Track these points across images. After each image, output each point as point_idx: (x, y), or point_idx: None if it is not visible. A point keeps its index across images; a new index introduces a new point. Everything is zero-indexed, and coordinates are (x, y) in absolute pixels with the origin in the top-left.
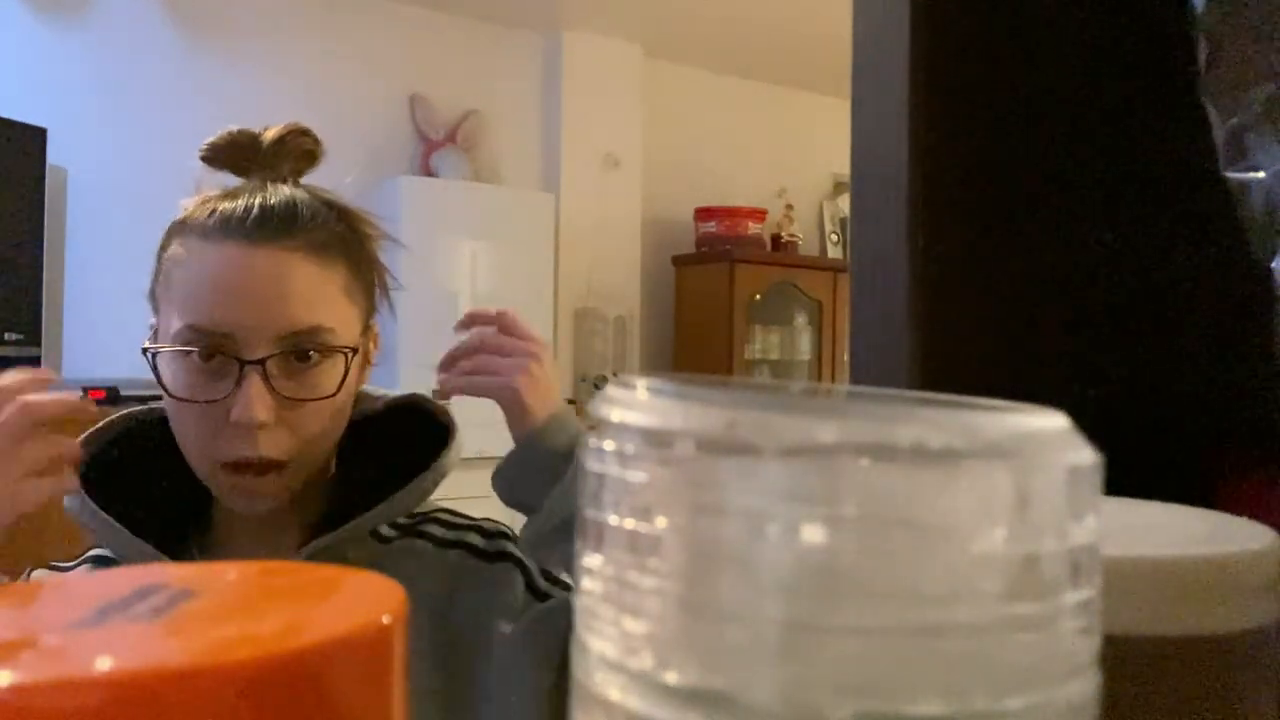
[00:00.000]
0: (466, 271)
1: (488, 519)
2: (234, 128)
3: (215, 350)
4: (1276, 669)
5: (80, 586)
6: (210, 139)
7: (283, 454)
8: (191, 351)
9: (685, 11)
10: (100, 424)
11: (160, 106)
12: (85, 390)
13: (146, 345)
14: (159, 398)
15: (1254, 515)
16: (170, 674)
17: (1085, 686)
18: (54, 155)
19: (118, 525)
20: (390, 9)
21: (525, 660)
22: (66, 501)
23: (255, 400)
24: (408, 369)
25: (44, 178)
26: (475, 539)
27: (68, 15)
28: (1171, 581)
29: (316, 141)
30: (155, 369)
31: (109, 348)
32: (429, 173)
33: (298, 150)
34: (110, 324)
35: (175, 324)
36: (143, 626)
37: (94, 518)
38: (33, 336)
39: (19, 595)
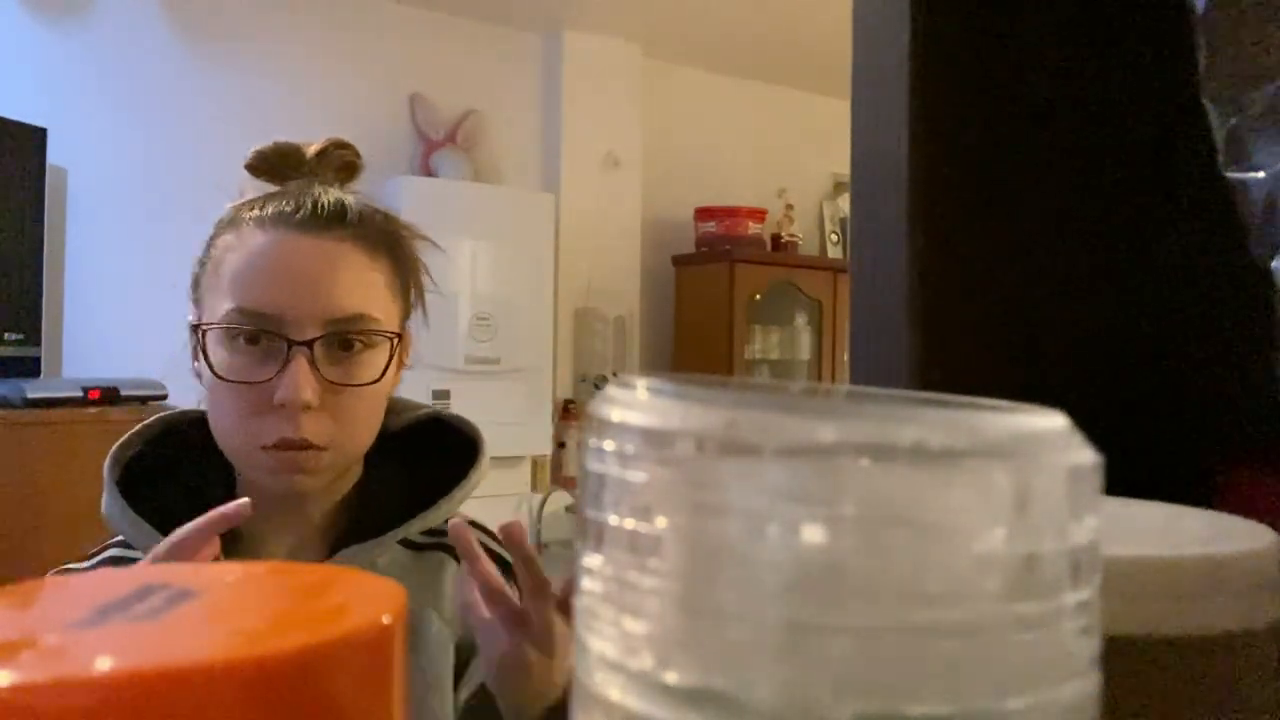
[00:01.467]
0: (466, 271)
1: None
2: (279, 139)
3: (262, 332)
4: (1276, 669)
5: (80, 586)
6: (256, 148)
7: (324, 439)
8: (239, 334)
9: (685, 11)
10: (136, 428)
11: (160, 106)
12: (85, 390)
13: (196, 322)
14: (159, 398)
15: (1254, 515)
16: (170, 674)
17: (1085, 686)
18: (54, 155)
19: (157, 534)
20: (390, 9)
21: None
22: (105, 507)
23: (302, 381)
24: (408, 368)
25: (44, 178)
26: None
27: (68, 15)
28: (1171, 581)
29: (357, 154)
30: (204, 350)
31: (109, 348)
32: (429, 173)
33: (339, 162)
34: (110, 324)
35: (224, 307)
36: (143, 626)
37: (134, 525)
38: (33, 336)
39: (19, 595)
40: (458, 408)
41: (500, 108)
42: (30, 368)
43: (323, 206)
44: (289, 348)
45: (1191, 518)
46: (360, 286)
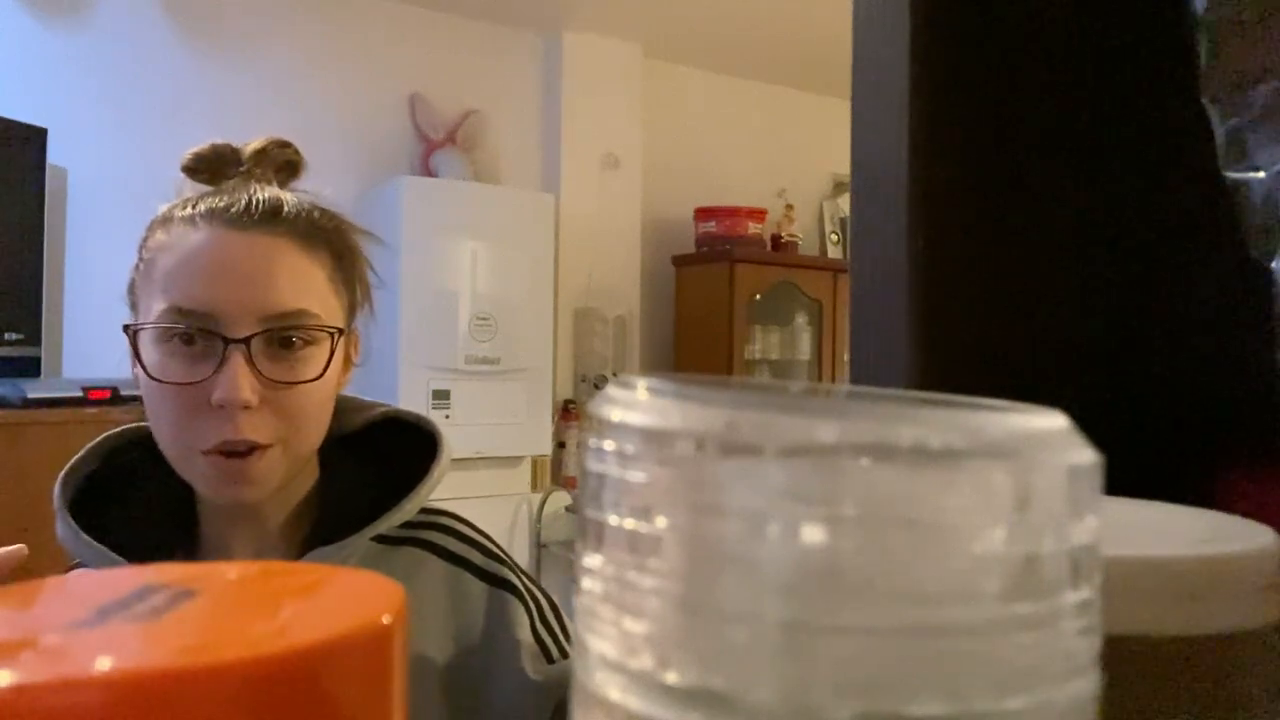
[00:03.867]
0: (466, 271)
1: (487, 537)
2: (216, 140)
3: (198, 331)
4: (1276, 669)
5: (80, 586)
6: (193, 149)
7: (266, 437)
8: (174, 334)
9: (685, 11)
10: (84, 449)
11: (160, 106)
12: (85, 390)
13: (128, 324)
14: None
15: (1254, 515)
16: (170, 674)
17: (1085, 686)
18: (54, 155)
19: (115, 556)
20: (390, 9)
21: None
22: (59, 531)
23: (240, 379)
24: (408, 368)
25: (44, 178)
26: (476, 556)
27: (68, 15)
28: (1171, 581)
29: (298, 153)
30: (136, 354)
31: (109, 348)
32: (429, 173)
33: (279, 161)
34: (110, 324)
35: (157, 307)
36: (143, 626)
37: (88, 548)
38: (33, 336)
39: (19, 595)
40: (458, 407)
41: (500, 108)
42: (30, 368)
43: (257, 202)
44: (225, 346)
45: (1191, 518)
46: (297, 282)
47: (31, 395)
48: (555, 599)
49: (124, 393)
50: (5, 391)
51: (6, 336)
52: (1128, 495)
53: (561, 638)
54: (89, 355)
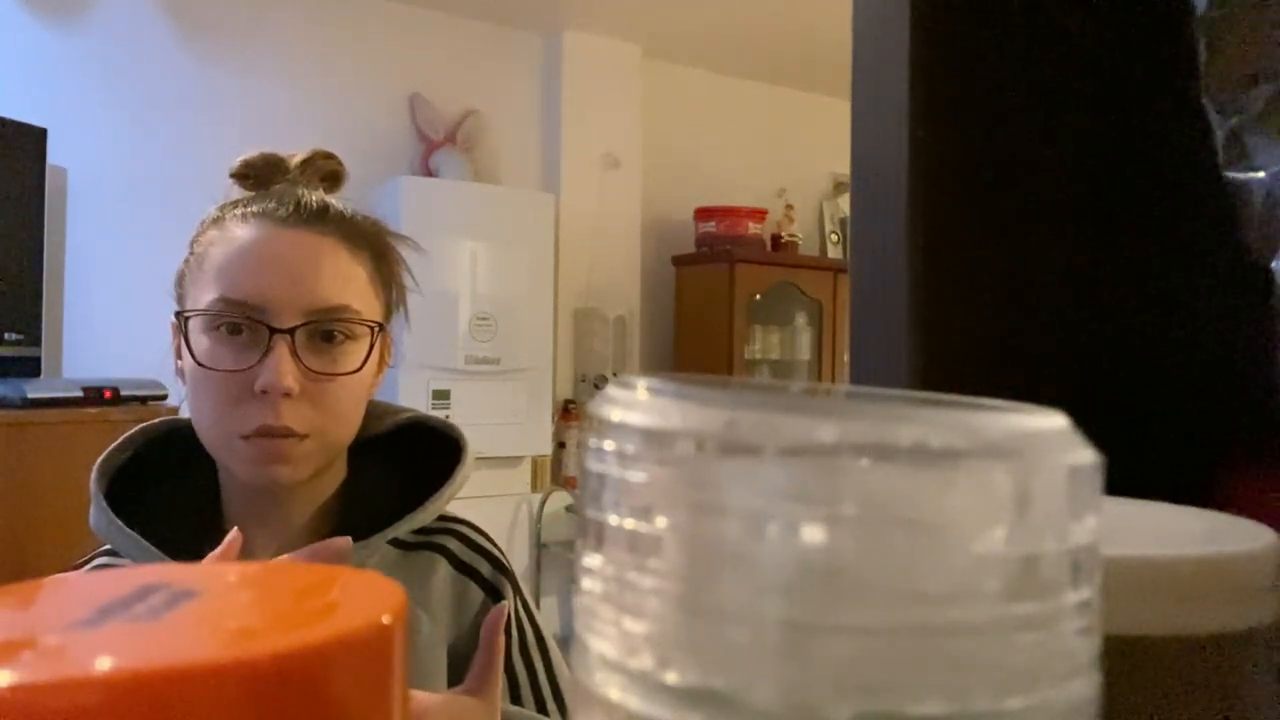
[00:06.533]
0: (466, 271)
1: (501, 551)
2: (265, 149)
3: (245, 320)
4: (1276, 669)
5: (80, 586)
6: (243, 157)
7: (305, 427)
8: (221, 323)
9: (685, 11)
10: (119, 439)
11: (160, 106)
12: (85, 390)
13: (180, 310)
14: (159, 398)
15: (1254, 515)
16: (170, 674)
17: (1085, 686)
18: (54, 155)
19: (146, 544)
20: (390, 9)
21: None
22: (92, 518)
23: (283, 367)
24: (407, 368)
25: (44, 178)
26: (484, 567)
27: (68, 15)
28: (1171, 581)
29: (340, 164)
30: (186, 338)
31: (109, 348)
32: (429, 173)
33: (323, 171)
34: (110, 324)
35: (207, 298)
36: (143, 626)
37: (120, 534)
38: (33, 336)
39: (19, 595)
40: (458, 408)
41: (500, 108)
42: (30, 368)
43: (306, 204)
44: (270, 335)
45: (1191, 518)
46: (342, 279)
47: (31, 395)
48: (549, 632)
49: (124, 393)
50: (5, 391)
51: (6, 336)
52: (1128, 495)
53: (541, 672)
54: (89, 355)
